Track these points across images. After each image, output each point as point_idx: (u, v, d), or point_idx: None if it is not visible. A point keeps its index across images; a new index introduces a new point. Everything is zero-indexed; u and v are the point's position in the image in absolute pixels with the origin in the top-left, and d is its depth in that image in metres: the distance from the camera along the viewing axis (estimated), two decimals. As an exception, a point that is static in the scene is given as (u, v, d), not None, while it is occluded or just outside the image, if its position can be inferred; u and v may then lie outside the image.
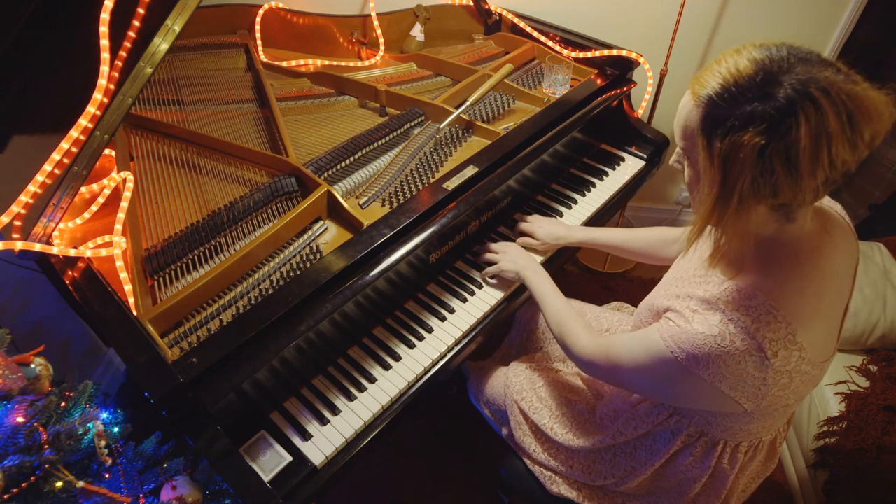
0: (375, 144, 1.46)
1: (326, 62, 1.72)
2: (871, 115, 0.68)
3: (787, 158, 0.68)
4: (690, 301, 0.85)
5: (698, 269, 0.90)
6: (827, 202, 0.94)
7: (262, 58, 1.67)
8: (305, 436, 1.07)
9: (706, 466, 1.04)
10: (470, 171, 1.31)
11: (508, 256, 1.31)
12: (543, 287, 1.22)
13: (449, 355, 1.22)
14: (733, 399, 0.83)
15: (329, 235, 1.26)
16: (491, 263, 1.35)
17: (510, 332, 1.62)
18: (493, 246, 1.36)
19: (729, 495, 1.09)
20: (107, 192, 1.25)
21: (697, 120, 0.75)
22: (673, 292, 0.90)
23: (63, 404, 1.05)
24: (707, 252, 0.86)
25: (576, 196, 1.60)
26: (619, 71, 1.66)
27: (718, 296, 0.82)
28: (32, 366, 1.02)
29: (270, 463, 1.02)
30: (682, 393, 0.90)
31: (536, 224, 1.43)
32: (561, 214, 1.55)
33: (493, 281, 1.34)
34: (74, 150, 1.02)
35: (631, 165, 1.70)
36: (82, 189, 1.21)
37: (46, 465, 0.94)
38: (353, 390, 1.14)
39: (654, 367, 0.88)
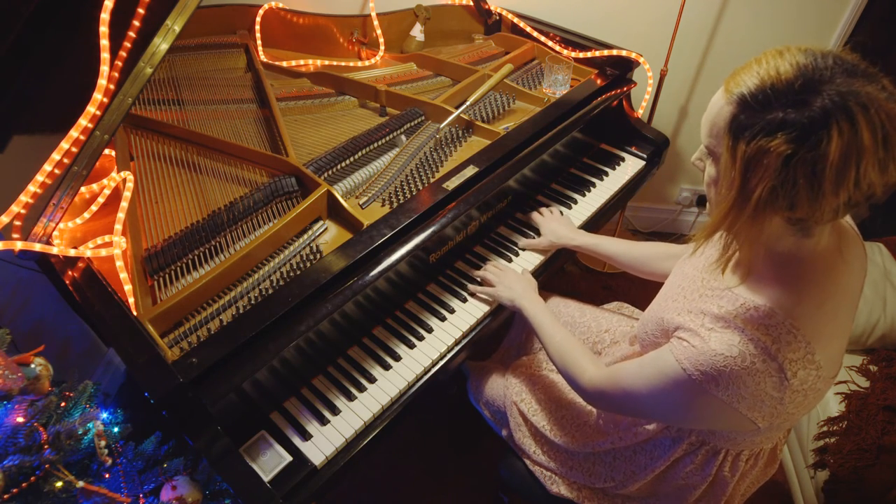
0: (375, 144, 1.46)
1: (326, 62, 1.72)
2: None
3: (812, 172, 0.65)
4: (705, 318, 0.82)
5: (707, 279, 0.88)
6: None
7: (262, 58, 1.67)
8: (305, 436, 1.07)
9: (707, 474, 1.03)
10: (470, 171, 1.31)
11: (505, 283, 1.28)
12: (541, 317, 1.18)
13: (449, 355, 1.22)
14: (749, 418, 0.81)
15: (329, 235, 1.26)
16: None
17: (510, 332, 1.62)
18: (491, 268, 1.34)
19: (729, 501, 1.09)
20: (107, 192, 1.25)
21: (727, 118, 0.72)
22: (683, 306, 0.87)
23: (63, 404, 1.05)
24: (714, 257, 0.84)
25: (576, 196, 1.60)
26: (619, 71, 1.66)
27: (735, 313, 0.80)
28: (32, 366, 1.02)
29: (270, 463, 1.02)
30: (698, 414, 0.88)
31: (546, 220, 1.45)
32: (561, 214, 1.55)
33: (485, 296, 1.32)
34: (74, 150, 1.02)
35: (631, 165, 1.70)
36: (82, 189, 1.21)
37: (46, 465, 0.94)
38: (353, 390, 1.14)
39: (670, 389, 0.85)
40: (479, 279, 1.35)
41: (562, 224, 1.44)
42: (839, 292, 0.83)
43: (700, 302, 0.85)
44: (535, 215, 1.48)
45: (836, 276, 0.82)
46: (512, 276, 1.30)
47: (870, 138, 0.64)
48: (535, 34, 1.81)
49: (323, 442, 1.06)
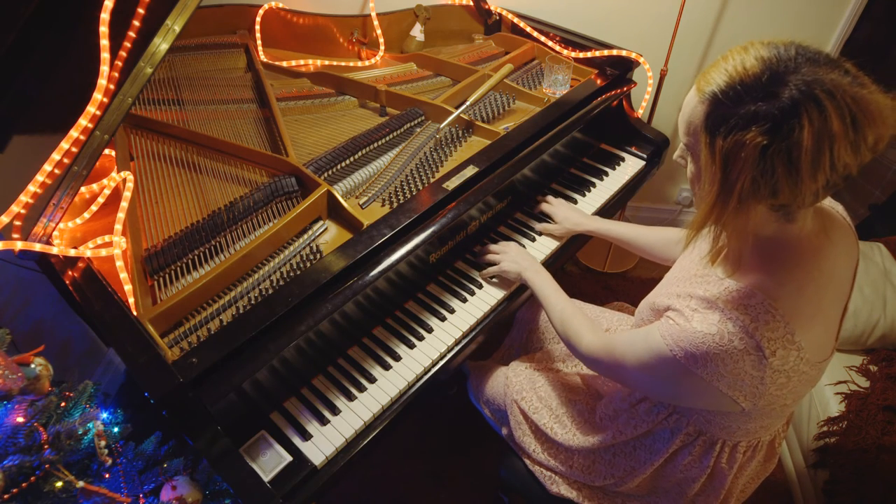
0: (375, 144, 1.46)
1: (326, 62, 1.72)
2: (875, 119, 0.68)
3: (789, 160, 0.68)
4: (691, 300, 0.85)
5: (698, 269, 0.91)
6: (828, 203, 0.94)
7: (262, 58, 1.67)
8: (305, 436, 1.07)
9: (705, 466, 1.04)
10: (470, 171, 1.31)
11: (509, 256, 1.32)
12: (546, 287, 1.23)
13: (449, 355, 1.22)
14: (731, 398, 0.83)
15: (329, 235, 1.26)
16: (491, 264, 1.35)
17: (510, 331, 1.62)
18: (493, 247, 1.37)
19: (728, 495, 1.10)
20: (107, 192, 1.25)
21: (701, 116, 0.75)
22: (674, 291, 0.90)
23: (63, 404, 1.05)
24: (706, 250, 0.87)
25: (576, 196, 1.60)
26: (619, 71, 1.66)
27: (718, 295, 0.82)
28: (32, 366, 1.02)
29: (270, 463, 1.02)
30: (682, 392, 0.90)
31: (557, 208, 1.47)
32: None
33: (494, 280, 1.35)
34: (74, 150, 1.02)
35: (631, 165, 1.70)
36: (82, 189, 1.21)
37: (46, 465, 0.94)
38: (353, 390, 1.14)
39: (655, 365, 0.88)
40: (484, 262, 1.37)
41: (575, 211, 1.47)
42: (823, 276, 0.84)
43: (688, 286, 0.88)
44: (544, 206, 1.51)
45: (820, 261, 0.84)
46: (515, 251, 1.34)
47: (839, 123, 0.66)
48: (535, 34, 1.81)
49: (323, 442, 1.06)
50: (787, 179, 0.70)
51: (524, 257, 1.31)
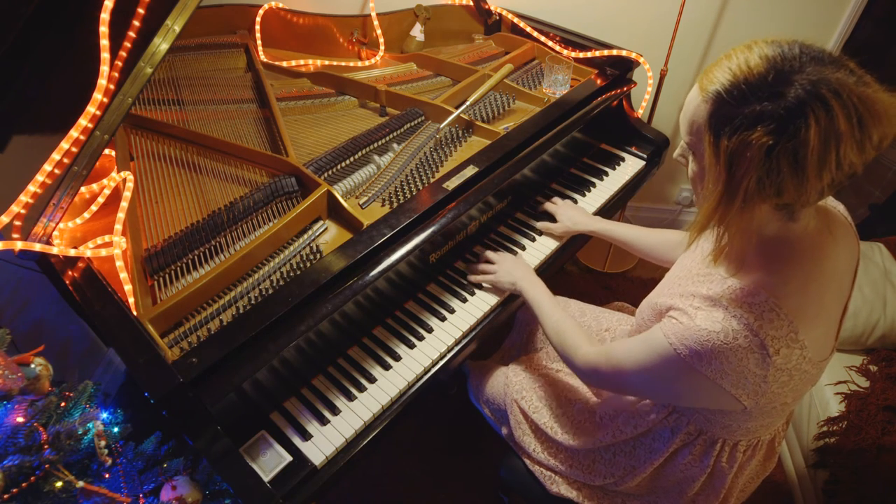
0: (375, 144, 1.46)
1: (326, 62, 1.72)
2: (880, 118, 0.68)
3: (795, 159, 0.68)
4: (694, 299, 0.85)
5: (701, 268, 0.91)
6: (830, 202, 0.94)
7: (262, 58, 1.67)
8: (305, 436, 1.07)
9: (705, 465, 1.04)
10: (470, 171, 1.31)
11: (504, 267, 1.31)
12: (540, 298, 1.21)
13: (449, 355, 1.22)
14: (734, 396, 0.83)
15: (329, 235, 1.26)
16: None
17: (511, 333, 1.62)
18: (490, 255, 1.36)
19: (728, 494, 1.10)
20: (107, 192, 1.25)
21: (705, 116, 0.74)
22: (676, 291, 0.90)
23: (63, 404, 1.05)
24: (709, 249, 0.87)
25: (576, 196, 1.60)
26: (619, 71, 1.65)
27: (722, 293, 0.82)
28: (32, 366, 1.02)
29: (270, 463, 1.02)
30: (684, 391, 0.90)
31: (560, 207, 1.48)
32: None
33: (489, 286, 1.34)
34: (74, 150, 1.02)
35: (631, 165, 1.70)
36: (82, 189, 1.21)
37: (46, 465, 0.94)
38: (353, 390, 1.14)
39: (658, 366, 0.88)
40: (479, 271, 1.36)
41: (577, 211, 1.48)
42: (825, 275, 0.85)
43: (691, 285, 0.88)
44: (548, 205, 1.51)
45: (822, 259, 0.84)
46: (510, 261, 1.33)
47: (845, 122, 0.66)
48: (535, 34, 1.81)
49: (323, 442, 1.06)
50: (792, 179, 0.69)
51: (518, 267, 1.30)
